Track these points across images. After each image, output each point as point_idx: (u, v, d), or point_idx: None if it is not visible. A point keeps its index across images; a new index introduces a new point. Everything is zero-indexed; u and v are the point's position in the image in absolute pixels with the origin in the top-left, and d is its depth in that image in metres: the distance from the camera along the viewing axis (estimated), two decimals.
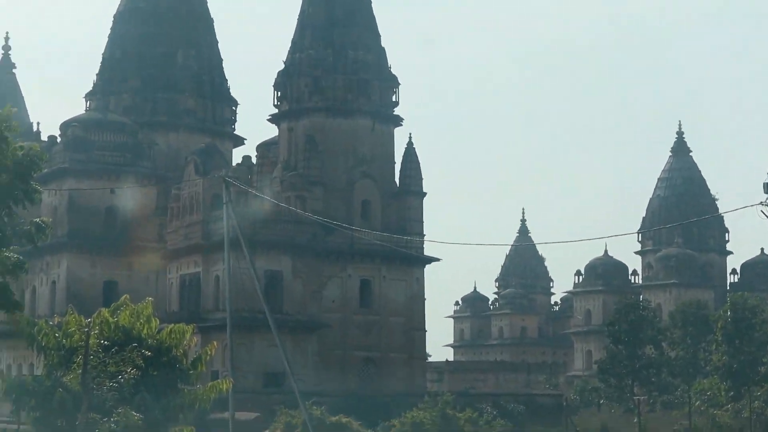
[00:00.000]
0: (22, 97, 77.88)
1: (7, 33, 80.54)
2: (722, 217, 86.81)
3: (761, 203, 33.51)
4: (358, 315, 60.11)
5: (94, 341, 24.61)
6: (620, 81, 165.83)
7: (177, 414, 26.32)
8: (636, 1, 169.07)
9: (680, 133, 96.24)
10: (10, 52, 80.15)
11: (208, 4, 71.24)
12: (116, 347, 25.45)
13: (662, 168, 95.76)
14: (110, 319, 26.09)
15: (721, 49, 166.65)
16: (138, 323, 26.36)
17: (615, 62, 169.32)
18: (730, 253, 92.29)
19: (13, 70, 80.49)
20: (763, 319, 53.56)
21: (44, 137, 65.86)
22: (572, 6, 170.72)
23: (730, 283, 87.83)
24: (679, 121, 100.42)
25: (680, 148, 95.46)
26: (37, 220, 20.51)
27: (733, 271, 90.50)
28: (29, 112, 75.08)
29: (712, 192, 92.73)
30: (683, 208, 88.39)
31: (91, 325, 24.81)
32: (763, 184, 34.09)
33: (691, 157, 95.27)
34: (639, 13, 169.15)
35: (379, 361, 60.06)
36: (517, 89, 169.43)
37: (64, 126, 63.58)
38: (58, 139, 63.66)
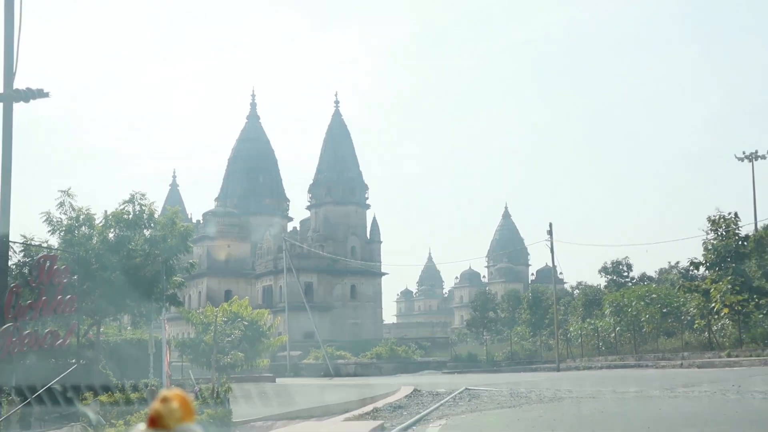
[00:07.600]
0: (183, 202, 78.26)
1: (174, 170, 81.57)
2: (527, 247, 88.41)
3: (545, 240, 35.95)
4: (350, 302, 61.21)
5: (219, 319, 25.93)
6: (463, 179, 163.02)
7: (261, 353, 27.70)
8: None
9: (506, 207, 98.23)
10: (178, 187, 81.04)
11: (275, 152, 72.62)
12: (230, 321, 26.89)
13: (497, 223, 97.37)
14: (227, 308, 27.53)
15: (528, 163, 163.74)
16: (241, 309, 27.83)
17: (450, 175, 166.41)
18: (530, 264, 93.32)
19: (177, 188, 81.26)
20: (547, 297, 54.57)
21: (194, 220, 66.69)
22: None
23: (531, 280, 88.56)
24: (506, 202, 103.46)
25: (506, 214, 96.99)
26: (191, 261, 21.73)
27: (532, 274, 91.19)
28: (186, 209, 75.48)
29: (521, 235, 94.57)
30: (508, 243, 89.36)
31: (217, 311, 26.27)
32: (546, 230, 36.51)
33: (511, 219, 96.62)
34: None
35: (362, 324, 60.81)
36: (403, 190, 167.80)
37: (205, 215, 64.92)
38: (201, 221, 64.74)
